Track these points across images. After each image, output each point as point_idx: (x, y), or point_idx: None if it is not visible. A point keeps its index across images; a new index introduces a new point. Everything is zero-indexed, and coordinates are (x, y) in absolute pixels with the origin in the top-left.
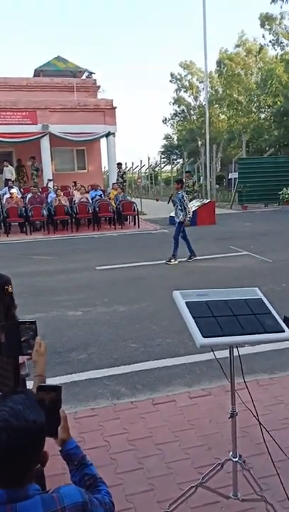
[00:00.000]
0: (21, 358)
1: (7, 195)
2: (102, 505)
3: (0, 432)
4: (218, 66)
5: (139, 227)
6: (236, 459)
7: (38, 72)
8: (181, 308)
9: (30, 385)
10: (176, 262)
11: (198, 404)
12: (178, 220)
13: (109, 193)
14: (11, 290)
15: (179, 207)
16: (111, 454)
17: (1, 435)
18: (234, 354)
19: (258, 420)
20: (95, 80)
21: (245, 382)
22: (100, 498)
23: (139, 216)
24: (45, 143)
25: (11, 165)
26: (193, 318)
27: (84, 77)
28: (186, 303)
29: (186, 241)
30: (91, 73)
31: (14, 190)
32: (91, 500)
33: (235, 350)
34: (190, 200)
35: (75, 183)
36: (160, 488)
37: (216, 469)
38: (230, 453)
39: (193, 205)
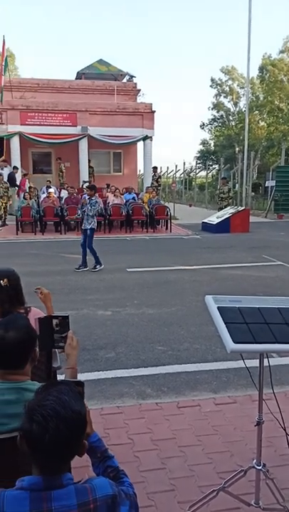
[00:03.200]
0: (54, 351)
1: (45, 195)
2: (127, 497)
3: (49, 420)
4: (260, 72)
5: (171, 231)
6: (260, 467)
7: (80, 75)
8: (212, 312)
9: (60, 378)
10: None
11: (223, 411)
12: (89, 227)
13: (142, 197)
14: (5, 283)
15: (91, 213)
16: (135, 451)
17: (49, 424)
18: (264, 363)
19: (285, 431)
20: (135, 84)
21: (274, 392)
22: (126, 491)
23: (172, 221)
24: (83, 145)
25: (49, 166)
26: (225, 323)
27: (125, 80)
28: (218, 308)
29: (84, 249)
30: (132, 77)
31: (52, 189)
32: (120, 493)
33: (265, 359)
34: (224, 207)
35: (108, 185)
36: (181, 489)
37: (239, 476)
38: (254, 461)
39: (228, 212)
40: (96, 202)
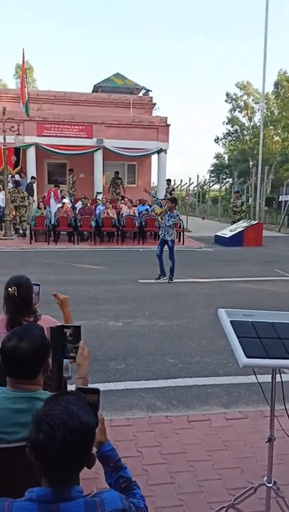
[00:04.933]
0: (65, 361)
1: (59, 205)
2: (138, 510)
3: (55, 430)
4: (275, 87)
5: (183, 243)
6: (270, 485)
7: (97, 88)
8: (225, 326)
9: (71, 387)
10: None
11: (233, 426)
12: (170, 239)
13: (155, 209)
14: (12, 292)
15: (168, 223)
16: (143, 465)
17: (56, 434)
18: (276, 379)
19: None
20: (151, 98)
21: (286, 408)
22: (136, 503)
23: (185, 233)
24: (98, 156)
25: (64, 176)
26: (238, 337)
27: (141, 94)
28: (231, 321)
29: (160, 260)
30: (148, 91)
31: (66, 200)
32: (130, 507)
33: (277, 375)
34: (238, 221)
35: (122, 197)
36: (190, 504)
37: (249, 493)
38: (265, 478)
39: (241, 226)
40: (177, 215)
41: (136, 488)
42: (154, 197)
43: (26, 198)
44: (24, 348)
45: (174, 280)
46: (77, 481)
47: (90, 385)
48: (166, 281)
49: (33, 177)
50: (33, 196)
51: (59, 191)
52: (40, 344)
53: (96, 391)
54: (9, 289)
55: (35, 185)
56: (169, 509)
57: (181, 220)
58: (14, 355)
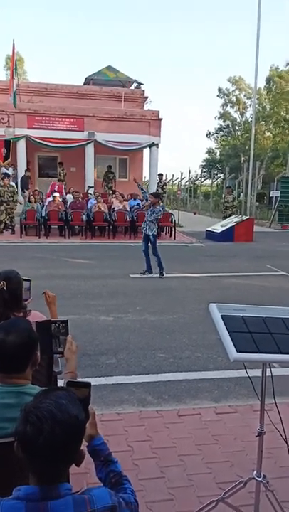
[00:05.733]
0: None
1: (50, 199)
2: (128, 505)
3: (44, 422)
4: (267, 83)
5: (175, 238)
6: (260, 479)
7: (88, 81)
8: (216, 321)
9: (61, 382)
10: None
11: (223, 420)
12: (151, 233)
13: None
14: (1, 286)
15: (150, 219)
16: (134, 459)
17: (44, 426)
18: (266, 373)
19: (287, 442)
20: (143, 91)
21: (275, 402)
22: (126, 499)
23: (176, 228)
24: (89, 150)
25: (55, 170)
26: (229, 332)
27: (132, 87)
28: (222, 316)
29: (146, 255)
30: (140, 84)
31: (57, 194)
32: (120, 503)
33: (267, 369)
34: (229, 216)
35: (113, 191)
36: (180, 498)
37: (238, 487)
38: (254, 472)
39: (232, 221)
40: (159, 211)
41: (126, 482)
42: (142, 190)
43: (15, 193)
44: (11, 342)
45: (165, 275)
46: (66, 478)
47: (80, 380)
48: (158, 276)
49: (27, 169)
50: (28, 190)
51: (64, 186)
52: (28, 337)
53: (87, 385)
54: None
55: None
56: (159, 503)
57: (172, 214)
58: (1, 349)
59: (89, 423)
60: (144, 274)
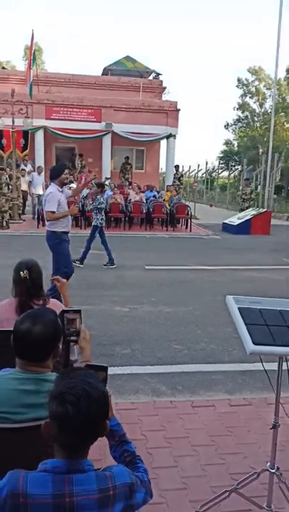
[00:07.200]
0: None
1: (86, 191)
2: (142, 483)
3: (81, 401)
4: (287, 73)
5: (191, 230)
6: (274, 470)
7: (106, 71)
8: (233, 313)
9: None
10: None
11: (237, 412)
12: (94, 223)
13: (163, 195)
14: (24, 275)
15: (94, 209)
16: (148, 448)
17: (81, 403)
18: (282, 366)
19: None
20: (161, 81)
21: None
22: (140, 477)
23: (192, 220)
24: (107, 141)
25: (73, 160)
26: (245, 324)
27: (151, 77)
28: (239, 308)
29: (105, 246)
30: (158, 74)
31: (74, 185)
32: (136, 481)
33: (284, 362)
34: (246, 208)
35: (130, 182)
36: (193, 488)
37: (252, 478)
38: (268, 464)
39: (249, 214)
40: (99, 200)
41: (140, 462)
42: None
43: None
44: (37, 332)
45: (178, 267)
46: (87, 456)
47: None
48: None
49: (39, 167)
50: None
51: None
52: (53, 329)
53: (105, 368)
54: (21, 272)
55: (41, 176)
56: (173, 492)
57: (188, 207)
58: (26, 338)
59: None
60: (106, 265)
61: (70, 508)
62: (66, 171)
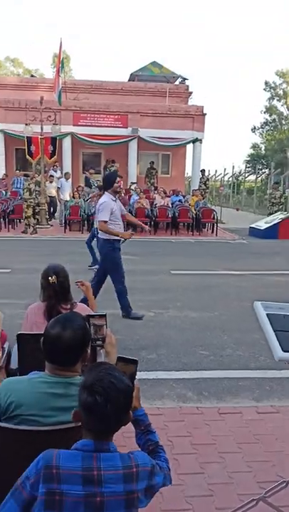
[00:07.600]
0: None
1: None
2: (161, 470)
3: (109, 392)
4: None
5: (217, 235)
6: None
7: (133, 77)
8: (261, 319)
9: None
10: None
11: (265, 420)
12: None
13: (189, 199)
14: (53, 280)
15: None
16: (174, 454)
17: (110, 393)
18: None
19: None
20: (187, 86)
21: None
22: (161, 464)
23: (218, 224)
24: (133, 146)
25: (99, 166)
26: (274, 331)
27: (177, 82)
28: (267, 314)
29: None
30: (184, 79)
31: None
32: (155, 467)
33: None
34: (274, 212)
35: (155, 187)
36: (220, 495)
37: (281, 486)
38: None
39: (277, 218)
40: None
41: (162, 451)
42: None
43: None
44: (67, 337)
45: (204, 272)
46: (112, 440)
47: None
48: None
49: (67, 173)
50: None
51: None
52: (82, 334)
53: (135, 361)
54: (49, 277)
55: (68, 182)
56: (199, 498)
57: (214, 211)
58: (56, 342)
59: (134, 396)
60: (91, 266)
61: (98, 480)
62: (118, 179)
